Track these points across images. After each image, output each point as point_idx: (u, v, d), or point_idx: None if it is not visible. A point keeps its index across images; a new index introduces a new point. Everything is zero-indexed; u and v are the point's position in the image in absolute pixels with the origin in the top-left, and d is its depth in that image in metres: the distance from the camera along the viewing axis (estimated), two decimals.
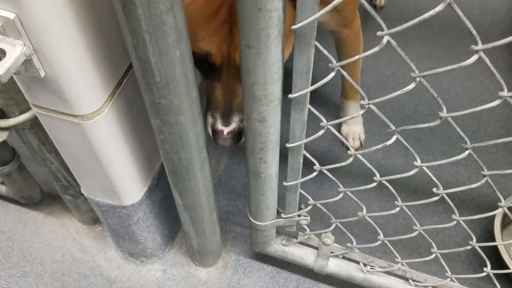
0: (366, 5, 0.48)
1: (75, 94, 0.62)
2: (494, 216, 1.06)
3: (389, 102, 1.44)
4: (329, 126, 0.67)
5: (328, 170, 0.76)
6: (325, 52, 0.55)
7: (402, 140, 0.66)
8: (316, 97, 1.45)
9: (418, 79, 0.54)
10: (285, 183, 0.80)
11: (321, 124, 0.67)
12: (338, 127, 1.38)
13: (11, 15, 0.51)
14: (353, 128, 1.33)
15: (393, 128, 0.64)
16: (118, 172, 0.78)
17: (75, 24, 0.56)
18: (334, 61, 0.56)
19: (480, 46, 0.47)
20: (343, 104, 1.32)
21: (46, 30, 0.54)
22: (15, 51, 0.53)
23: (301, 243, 0.99)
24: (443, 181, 1.27)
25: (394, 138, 0.66)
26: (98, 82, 0.64)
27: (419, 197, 1.27)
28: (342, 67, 0.54)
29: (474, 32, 0.45)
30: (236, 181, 1.31)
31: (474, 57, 0.48)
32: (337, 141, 1.37)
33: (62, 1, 0.53)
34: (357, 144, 1.33)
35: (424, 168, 0.69)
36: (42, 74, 0.58)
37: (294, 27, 0.51)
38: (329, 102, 1.45)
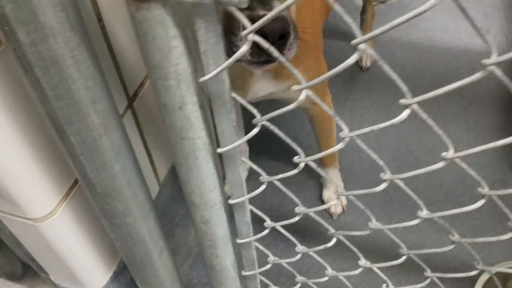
0: None
1: (26, 201, 0.65)
2: None
3: (369, 169, 1.42)
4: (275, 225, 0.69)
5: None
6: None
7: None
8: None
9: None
10: (243, 273, 0.81)
11: (265, 224, 0.68)
12: (320, 191, 1.38)
13: None
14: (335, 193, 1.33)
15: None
16: (79, 263, 0.80)
17: (22, 142, 0.60)
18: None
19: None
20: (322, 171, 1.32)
21: None
22: None
23: None
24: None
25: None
26: (49, 187, 0.67)
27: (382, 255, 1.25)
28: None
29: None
30: None
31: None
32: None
33: (7, 124, 0.57)
34: (339, 209, 1.33)
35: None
36: None
37: (218, 150, 0.54)
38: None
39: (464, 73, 1.69)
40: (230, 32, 0.62)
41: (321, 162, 1.30)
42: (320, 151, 1.27)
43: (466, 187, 1.35)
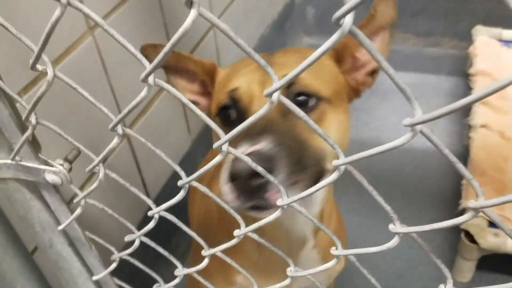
0: None
1: None
2: None
3: None
4: None
5: None
6: None
7: None
8: None
9: None
10: None
11: None
12: None
13: None
14: None
15: None
16: None
17: None
18: None
19: None
20: None
21: None
22: None
23: None
24: None
25: None
26: None
27: None
28: None
29: None
30: None
31: None
32: None
33: None
34: None
35: None
36: None
37: (93, 278, 0.64)
38: None
39: (409, 170, 1.79)
40: None
41: None
42: None
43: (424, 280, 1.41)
